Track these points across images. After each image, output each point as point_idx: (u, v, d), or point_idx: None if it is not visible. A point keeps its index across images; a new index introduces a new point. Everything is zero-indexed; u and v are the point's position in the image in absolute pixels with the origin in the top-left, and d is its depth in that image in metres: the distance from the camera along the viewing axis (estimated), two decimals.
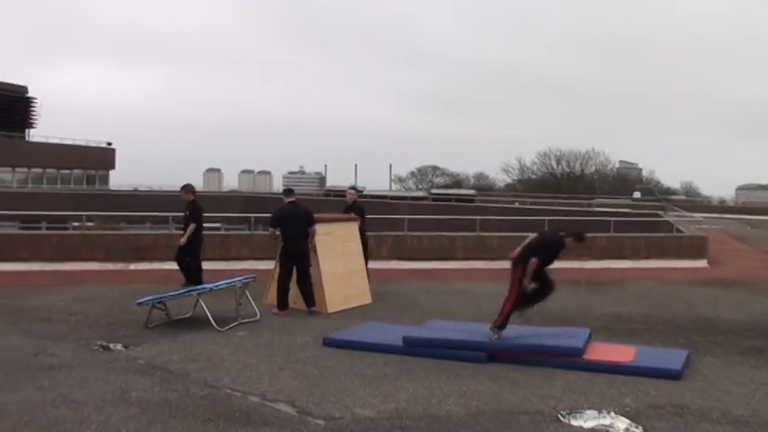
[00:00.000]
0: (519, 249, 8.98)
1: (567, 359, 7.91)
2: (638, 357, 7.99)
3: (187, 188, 13.23)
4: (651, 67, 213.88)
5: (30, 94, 68.45)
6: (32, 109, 68.35)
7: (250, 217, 21.23)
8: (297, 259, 11.06)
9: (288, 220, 11.25)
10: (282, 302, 11.02)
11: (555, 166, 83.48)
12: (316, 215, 11.70)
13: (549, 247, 8.86)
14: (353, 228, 12.49)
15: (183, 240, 12.66)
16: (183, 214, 13.20)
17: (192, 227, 12.69)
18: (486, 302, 12.22)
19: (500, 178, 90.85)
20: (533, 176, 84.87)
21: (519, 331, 9.01)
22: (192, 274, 12.63)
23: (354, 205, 13.33)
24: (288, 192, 11.98)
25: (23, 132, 66.97)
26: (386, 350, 8.47)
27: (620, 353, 8.21)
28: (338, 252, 11.84)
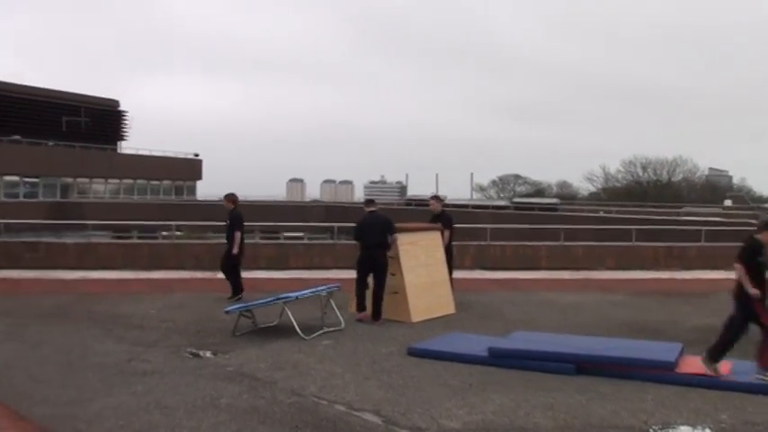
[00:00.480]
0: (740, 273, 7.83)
1: (659, 372, 7.68)
2: (734, 372, 7.69)
3: (228, 197, 13.41)
4: (739, 68, 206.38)
5: (121, 108, 71.07)
6: (124, 122, 70.94)
7: (333, 226, 21.43)
8: (374, 268, 11.14)
9: (367, 229, 11.35)
10: (359, 305, 11.19)
11: (641, 174, 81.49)
12: (399, 225, 11.74)
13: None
14: (437, 237, 12.44)
15: (235, 249, 12.81)
16: (224, 223, 13.35)
17: (238, 235, 12.85)
18: (572, 313, 12.04)
19: (583, 187, 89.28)
20: (618, 185, 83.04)
21: (607, 343, 8.81)
22: (233, 284, 12.88)
23: (442, 215, 13.19)
24: (369, 202, 12.06)
25: (115, 145, 69.53)
26: (471, 360, 8.40)
27: None
28: (422, 261, 11.82)
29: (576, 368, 7.97)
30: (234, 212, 13.16)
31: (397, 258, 11.36)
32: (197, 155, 73.89)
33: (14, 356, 8.43)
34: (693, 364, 7.95)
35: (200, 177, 74.49)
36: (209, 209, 50.46)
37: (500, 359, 8.30)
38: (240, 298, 12.45)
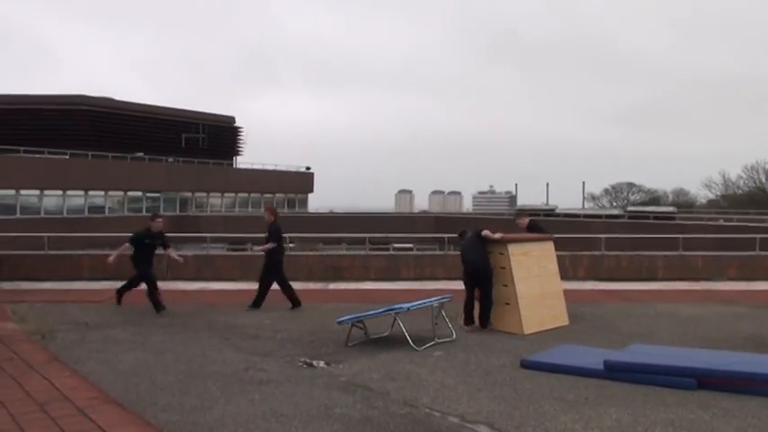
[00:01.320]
0: None
1: None
2: None
3: (269, 209, 13.70)
4: None
5: (237, 124, 73.55)
6: (239, 138, 73.38)
7: (443, 237, 21.42)
8: (476, 278, 11.32)
9: (466, 241, 11.64)
10: (466, 317, 11.34)
11: (764, 181, 77.73)
12: (512, 235, 11.75)
13: None
14: (550, 248, 12.25)
15: (260, 248, 13.27)
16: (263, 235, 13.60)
17: (268, 246, 13.09)
18: (692, 326, 11.60)
19: (702, 194, 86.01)
20: (739, 191, 79.50)
21: (730, 357, 8.43)
22: (259, 296, 13.18)
23: (534, 227, 12.83)
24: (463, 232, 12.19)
25: (231, 160, 71.99)
26: (586, 374, 8.20)
27: None
28: (534, 273, 11.66)
29: (697, 383, 7.66)
30: (273, 225, 13.43)
31: (509, 269, 11.27)
32: (308, 168, 75.62)
33: (139, 364, 8.81)
34: None
35: (311, 190, 76.12)
36: (320, 221, 51.54)
37: (616, 373, 8.08)
38: (255, 307, 13.09)
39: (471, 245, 11.58)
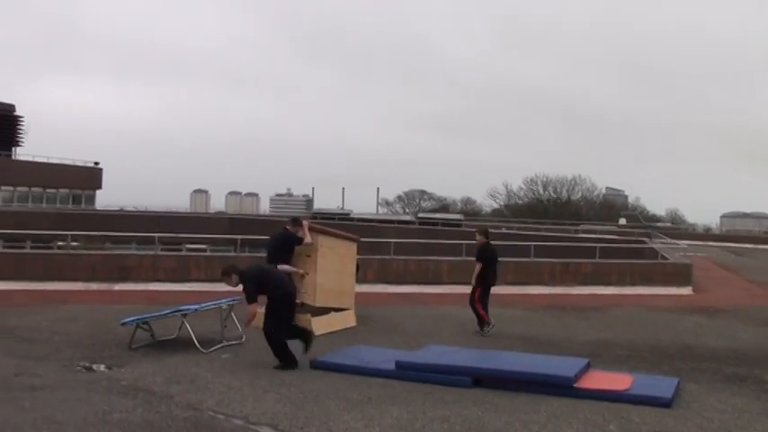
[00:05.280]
0: None
1: (559, 389, 7.87)
2: (634, 385, 7.93)
3: (480, 230, 12.98)
4: (658, 90, 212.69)
5: (17, 113, 68.44)
6: (19, 127, 68.29)
7: (236, 239, 21.21)
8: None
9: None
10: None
11: (542, 192, 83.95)
12: (323, 227, 12.33)
13: None
14: (354, 249, 12.50)
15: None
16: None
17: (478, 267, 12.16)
18: (472, 327, 12.24)
19: (487, 203, 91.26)
20: (520, 202, 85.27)
21: (508, 358, 9.00)
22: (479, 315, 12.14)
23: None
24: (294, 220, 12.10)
25: (10, 151, 66.85)
26: (373, 374, 8.45)
27: (617, 381, 8.14)
28: (336, 268, 11.89)
29: (472, 381, 8.12)
30: (482, 246, 12.43)
31: (314, 258, 11.38)
32: (97, 163, 71.75)
33: None
34: (597, 378, 8.19)
35: (99, 186, 72.31)
36: (107, 219, 49.17)
37: (403, 372, 8.39)
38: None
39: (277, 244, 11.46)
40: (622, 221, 68.22)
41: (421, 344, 10.26)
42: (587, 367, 8.49)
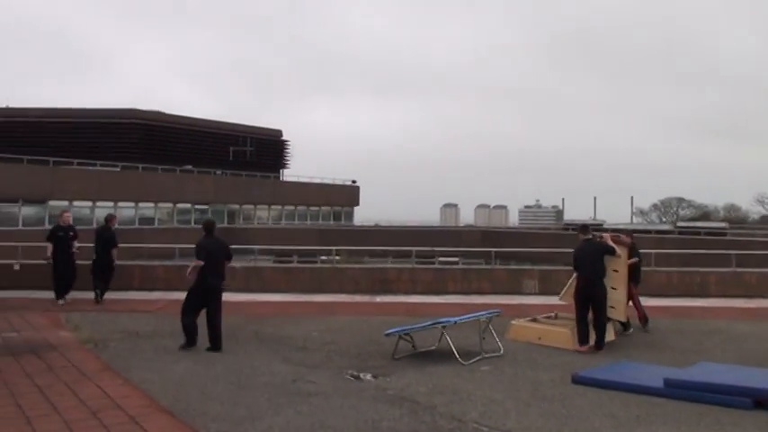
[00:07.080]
0: None
1: None
2: None
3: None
4: None
5: (284, 138, 74.35)
6: (286, 151, 74.12)
7: (489, 251, 21.27)
8: (591, 298, 10.93)
9: (582, 257, 11.20)
10: (581, 337, 10.87)
11: None
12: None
13: None
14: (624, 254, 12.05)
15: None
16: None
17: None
18: (747, 343, 11.32)
19: (754, 210, 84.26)
20: None
21: None
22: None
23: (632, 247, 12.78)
24: (584, 228, 11.88)
25: (278, 173, 72.72)
26: (639, 391, 8.07)
27: None
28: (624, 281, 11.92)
29: (753, 402, 7.48)
30: None
31: (622, 273, 11.72)
32: (354, 181, 75.90)
33: (189, 374, 8.90)
34: None
35: (357, 203, 76.36)
36: (365, 234, 51.64)
37: (673, 390, 7.92)
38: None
39: (588, 253, 11.19)
40: None
41: (687, 360, 9.65)
42: None
